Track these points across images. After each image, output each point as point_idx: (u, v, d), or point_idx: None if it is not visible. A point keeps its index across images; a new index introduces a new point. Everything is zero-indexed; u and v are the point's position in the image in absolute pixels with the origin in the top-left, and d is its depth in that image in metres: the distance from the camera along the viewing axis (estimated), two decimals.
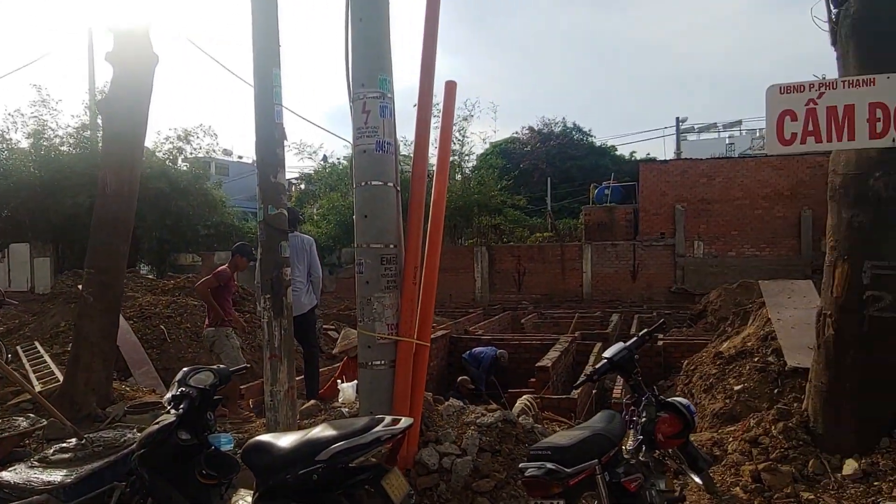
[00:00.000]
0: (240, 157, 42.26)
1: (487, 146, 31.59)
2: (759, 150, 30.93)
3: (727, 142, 43.42)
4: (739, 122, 44.41)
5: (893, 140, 3.57)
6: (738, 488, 4.05)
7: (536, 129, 34.84)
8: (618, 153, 33.42)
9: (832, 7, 3.86)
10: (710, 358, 8.74)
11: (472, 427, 4.53)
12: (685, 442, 3.84)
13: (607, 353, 3.86)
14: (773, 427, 4.30)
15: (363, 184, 4.19)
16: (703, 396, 7.96)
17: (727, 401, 7.31)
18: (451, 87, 4.65)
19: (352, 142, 4.29)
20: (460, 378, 10.55)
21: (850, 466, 3.79)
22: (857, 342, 3.84)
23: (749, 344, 8.20)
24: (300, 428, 4.16)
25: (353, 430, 2.78)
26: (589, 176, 26.41)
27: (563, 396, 7.78)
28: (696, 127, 42.97)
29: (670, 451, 3.79)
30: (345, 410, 5.48)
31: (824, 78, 3.73)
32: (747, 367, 7.63)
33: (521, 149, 33.72)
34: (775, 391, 7.12)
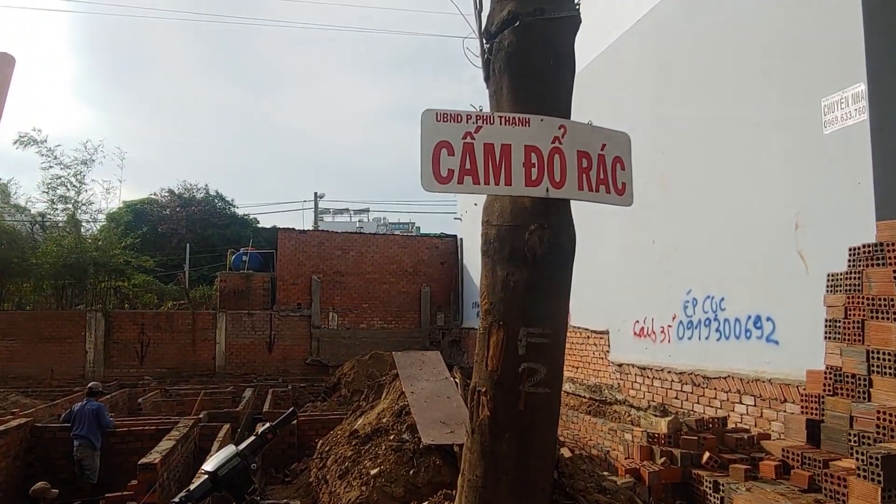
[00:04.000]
0: None
1: (119, 204, 27.63)
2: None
3: (357, 225, 48.14)
4: (367, 210, 50.75)
5: (547, 190, 3.24)
6: None
7: (177, 192, 32.14)
8: (260, 225, 32.91)
9: (485, 40, 3.50)
10: (345, 437, 7.97)
11: None
12: None
13: (208, 465, 2.57)
14: None
15: None
16: (339, 483, 7.06)
17: (363, 488, 6.53)
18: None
19: None
20: (38, 485, 7.62)
21: None
22: (514, 424, 3.31)
23: (384, 420, 7.69)
24: None
25: None
26: (231, 245, 24.78)
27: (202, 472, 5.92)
28: (331, 210, 47.93)
29: None
30: None
31: (481, 109, 3.26)
32: (383, 447, 7.03)
33: (159, 211, 30.78)
34: (411, 472, 6.61)
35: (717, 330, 7.53)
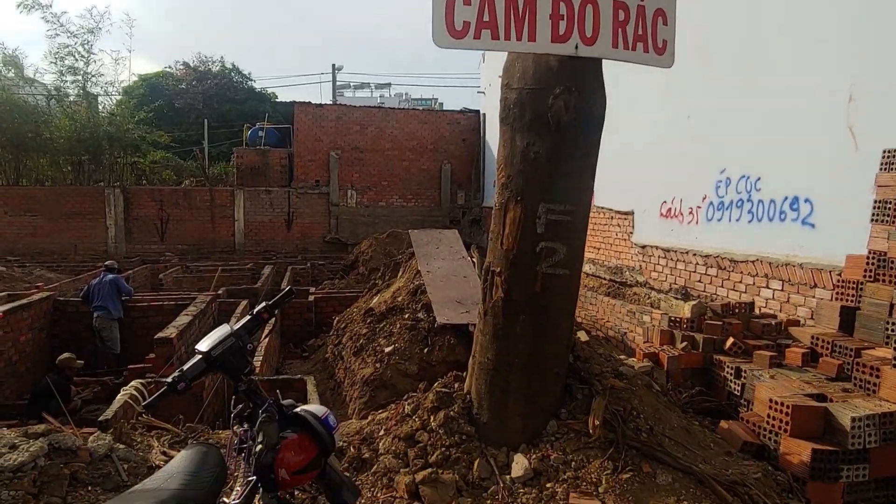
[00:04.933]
0: None
1: (131, 76, 26.79)
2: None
3: (378, 101, 46.23)
4: (389, 85, 48.37)
5: (577, 47, 2.78)
6: None
7: (192, 65, 30.88)
8: (278, 100, 31.92)
9: None
10: (360, 315, 7.95)
11: None
12: (322, 471, 2.59)
13: (202, 345, 2.37)
14: (432, 419, 3.40)
15: None
16: (354, 360, 7.11)
17: (378, 365, 6.55)
18: None
19: None
20: (64, 356, 7.78)
21: (519, 465, 3.10)
22: (529, 306, 3.06)
23: (400, 299, 7.61)
24: None
25: None
26: (249, 120, 24.14)
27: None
28: (351, 84, 45.41)
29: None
30: None
31: None
32: (398, 326, 6.99)
33: (175, 85, 29.85)
34: (425, 350, 6.59)
35: (750, 212, 7.12)
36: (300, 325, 10.54)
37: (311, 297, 10.79)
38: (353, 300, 10.15)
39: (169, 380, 2.32)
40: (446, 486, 3.10)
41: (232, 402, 2.76)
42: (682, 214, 8.31)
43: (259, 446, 2.46)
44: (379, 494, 3.26)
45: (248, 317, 2.63)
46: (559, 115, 2.87)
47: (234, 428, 2.67)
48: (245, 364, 2.51)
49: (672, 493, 2.91)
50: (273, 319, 2.66)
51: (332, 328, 8.86)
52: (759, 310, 6.78)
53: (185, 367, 2.39)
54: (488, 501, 3.05)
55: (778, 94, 6.70)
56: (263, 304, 2.68)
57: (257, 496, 2.47)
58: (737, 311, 4.71)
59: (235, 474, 2.63)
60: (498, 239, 3.25)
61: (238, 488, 2.41)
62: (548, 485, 3.06)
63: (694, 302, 4.63)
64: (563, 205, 3.11)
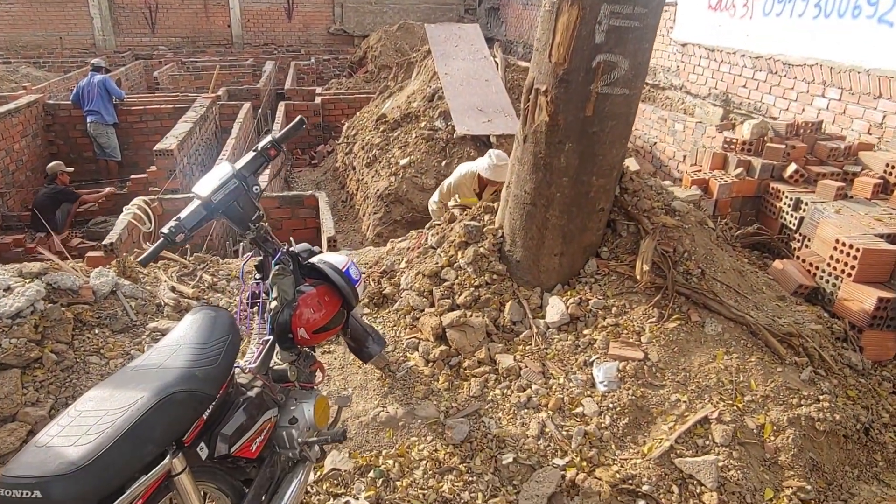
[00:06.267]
0: None
1: None
2: None
3: None
4: None
5: None
6: (416, 355, 2.84)
7: None
8: None
9: None
10: (372, 122, 7.40)
11: None
12: (344, 326, 2.34)
13: (200, 189, 2.01)
14: (459, 255, 3.08)
15: None
16: (366, 171, 6.74)
17: (392, 178, 6.19)
18: None
19: None
20: (51, 164, 7.49)
21: (555, 309, 2.82)
22: (577, 132, 2.58)
23: (414, 105, 7.01)
24: None
25: None
26: None
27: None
28: None
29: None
30: None
31: None
32: (413, 135, 6.50)
33: None
34: (443, 163, 6.18)
35: (817, 5, 6.15)
36: (308, 130, 10.00)
37: (318, 99, 10.11)
38: (364, 102, 9.50)
39: (165, 231, 1.96)
40: (475, 329, 2.88)
41: (239, 251, 2.46)
42: (734, 6, 7.28)
43: (273, 303, 2.18)
44: (402, 334, 3.07)
45: (252, 153, 2.19)
46: None
47: (246, 280, 2.38)
48: (253, 209, 2.13)
49: (721, 344, 2.69)
50: (280, 155, 2.21)
51: (342, 135, 8.36)
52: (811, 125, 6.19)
53: (183, 215, 2.01)
54: (520, 347, 2.85)
55: None
56: (270, 137, 2.22)
57: (275, 353, 2.26)
58: (801, 131, 4.16)
59: (249, 333, 2.40)
60: (546, 50, 2.66)
61: (253, 349, 2.17)
62: (585, 331, 2.84)
63: (756, 121, 4.06)
64: (631, 6, 2.47)
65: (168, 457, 1.50)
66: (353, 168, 7.27)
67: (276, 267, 2.18)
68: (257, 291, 2.29)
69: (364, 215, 6.44)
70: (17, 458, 1.31)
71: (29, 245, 6.32)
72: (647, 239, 2.89)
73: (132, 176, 7.10)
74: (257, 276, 2.29)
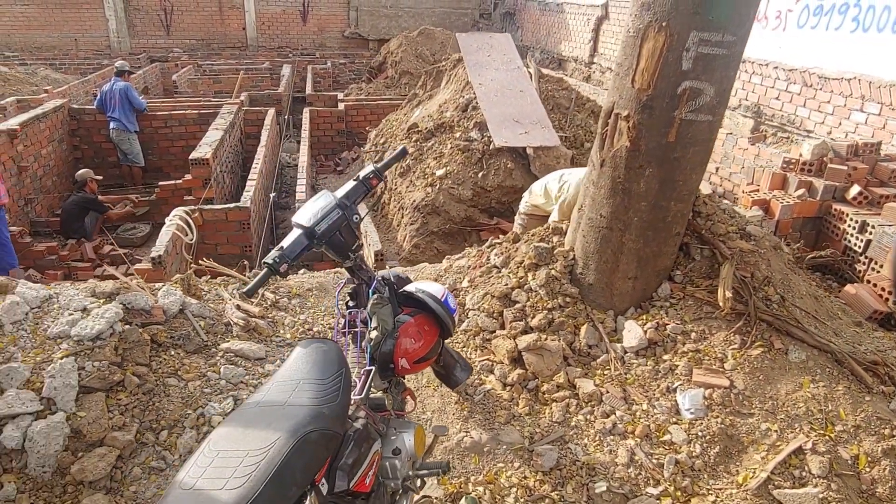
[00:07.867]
0: None
1: None
2: None
3: None
4: None
5: None
6: (492, 378, 2.82)
7: None
8: None
9: None
10: (403, 132, 7.38)
11: (62, 342, 2.47)
12: (439, 355, 2.33)
13: (302, 218, 2.00)
14: (530, 276, 3.06)
15: None
16: (400, 181, 6.72)
17: (428, 189, 6.18)
18: None
19: None
20: (81, 171, 7.48)
21: (632, 334, 2.82)
22: (658, 158, 2.58)
23: (447, 115, 6.99)
24: None
25: None
26: None
27: (232, 206, 5.66)
28: None
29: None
30: None
31: None
32: (449, 146, 6.49)
33: None
34: (479, 174, 6.17)
35: (855, 19, 6.16)
36: (330, 135, 9.99)
37: (341, 105, 10.09)
38: (388, 108, 9.48)
39: (269, 261, 1.95)
40: (553, 353, 2.87)
41: (338, 285, 2.43)
42: (767, 18, 7.28)
43: (374, 332, 2.17)
44: (473, 355, 3.06)
45: (353, 182, 2.18)
46: None
47: (342, 310, 2.37)
48: (353, 239, 2.13)
49: (806, 372, 2.67)
50: (380, 184, 2.21)
51: (370, 142, 8.34)
52: (847, 135, 6.17)
53: (286, 244, 2.00)
54: (599, 372, 2.84)
55: None
56: (371, 167, 2.21)
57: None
58: (861, 152, 4.15)
59: (352, 358, 2.38)
60: (629, 75, 2.65)
61: (355, 378, 2.16)
62: (665, 357, 2.82)
63: (817, 142, 4.05)
64: (721, 33, 2.46)
65: (308, 499, 1.49)
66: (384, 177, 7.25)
67: (374, 296, 2.17)
68: (353, 320, 2.28)
69: (399, 226, 6.43)
70: (166, 502, 1.29)
71: (62, 253, 6.30)
72: (727, 265, 2.88)
73: (160, 182, 7.08)
74: (350, 303, 2.28)
